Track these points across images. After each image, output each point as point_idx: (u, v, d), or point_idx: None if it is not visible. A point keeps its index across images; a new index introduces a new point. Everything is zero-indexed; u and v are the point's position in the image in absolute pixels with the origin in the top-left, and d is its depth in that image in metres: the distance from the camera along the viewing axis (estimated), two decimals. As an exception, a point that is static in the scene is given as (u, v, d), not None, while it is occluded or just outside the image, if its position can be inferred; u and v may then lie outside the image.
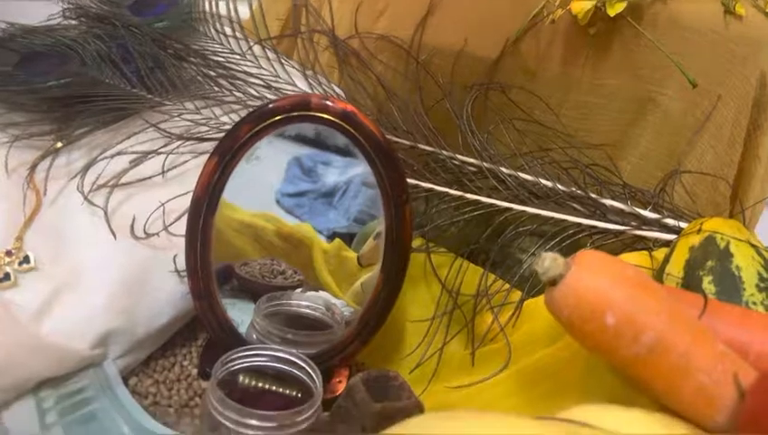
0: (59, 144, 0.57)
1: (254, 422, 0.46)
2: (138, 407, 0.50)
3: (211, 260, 0.52)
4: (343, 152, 0.65)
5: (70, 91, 0.60)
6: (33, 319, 0.48)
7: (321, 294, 0.65)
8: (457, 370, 0.57)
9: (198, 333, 0.60)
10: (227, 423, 0.46)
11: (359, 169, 0.69)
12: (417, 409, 0.46)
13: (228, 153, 0.50)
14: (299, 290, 0.65)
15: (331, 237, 0.66)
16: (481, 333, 0.57)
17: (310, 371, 0.51)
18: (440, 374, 0.56)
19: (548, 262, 0.40)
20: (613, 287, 0.39)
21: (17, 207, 0.53)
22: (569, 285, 0.39)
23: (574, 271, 0.39)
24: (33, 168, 0.57)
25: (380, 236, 0.62)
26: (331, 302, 0.63)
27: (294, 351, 0.52)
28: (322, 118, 0.50)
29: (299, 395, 0.53)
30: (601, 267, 0.40)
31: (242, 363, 0.51)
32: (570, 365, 0.50)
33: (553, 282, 0.40)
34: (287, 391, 0.54)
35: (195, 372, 0.56)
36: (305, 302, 0.63)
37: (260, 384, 0.53)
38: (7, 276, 0.49)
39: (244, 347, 0.51)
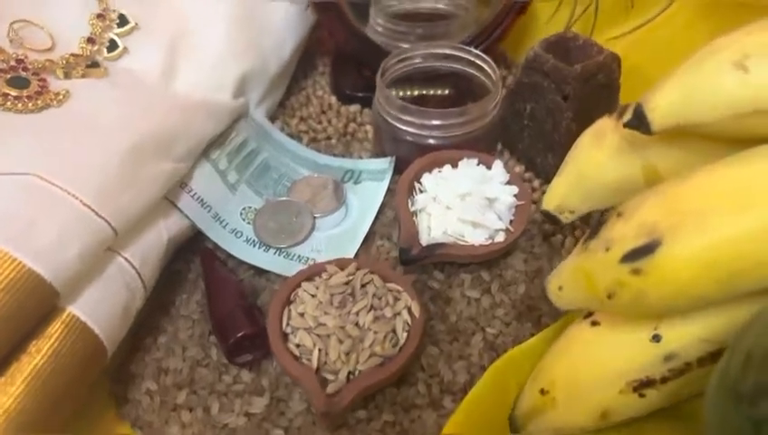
0: None
1: (436, 122, 0.42)
2: (302, 146, 0.47)
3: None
4: None
5: None
6: (162, 82, 0.42)
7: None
8: (610, 21, 0.51)
9: (315, 61, 0.54)
10: (410, 129, 0.42)
11: None
12: (616, 61, 0.42)
13: None
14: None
15: None
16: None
17: (472, 58, 0.45)
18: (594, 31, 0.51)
19: None
20: None
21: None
22: None
23: None
24: None
25: None
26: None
27: (446, 42, 0.47)
28: None
29: (449, 92, 0.49)
30: None
31: (399, 70, 0.46)
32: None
33: None
34: (440, 92, 0.50)
35: (334, 99, 0.51)
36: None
37: (411, 92, 0.49)
38: (114, 44, 0.41)
39: (397, 52, 0.45)
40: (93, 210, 0.31)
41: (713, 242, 0.25)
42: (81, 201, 0.31)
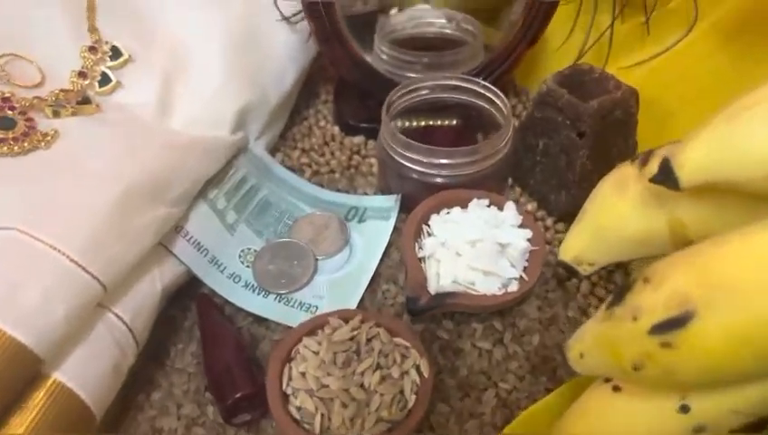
0: None
1: (444, 161, 0.40)
2: (304, 181, 0.45)
3: (332, -9, 0.42)
4: None
5: None
6: (157, 118, 0.40)
7: (421, 7, 0.55)
8: (624, 48, 0.49)
9: (318, 89, 0.52)
10: (416, 167, 0.40)
11: None
12: (633, 96, 0.40)
13: None
14: (394, 11, 0.55)
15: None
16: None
17: (481, 90, 0.43)
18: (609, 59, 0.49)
19: None
20: None
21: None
22: None
23: None
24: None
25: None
26: (446, 11, 0.54)
27: (452, 74, 0.45)
28: None
29: (457, 122, 0.47)
30: None
31: (405, 103, 0.44)
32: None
33: None
34: (447, 122, 0.48)
35: (337, 129, 0.49)
36: (420, 20, 0.53)
37: (417, 123, 0.47)
38: (107, 78, 0.39)
39: (403, 84, 0.43)
40: (81, 266, 0.29)
41: (750, 317, 0.23)
42: (67, 257, 0.29)
